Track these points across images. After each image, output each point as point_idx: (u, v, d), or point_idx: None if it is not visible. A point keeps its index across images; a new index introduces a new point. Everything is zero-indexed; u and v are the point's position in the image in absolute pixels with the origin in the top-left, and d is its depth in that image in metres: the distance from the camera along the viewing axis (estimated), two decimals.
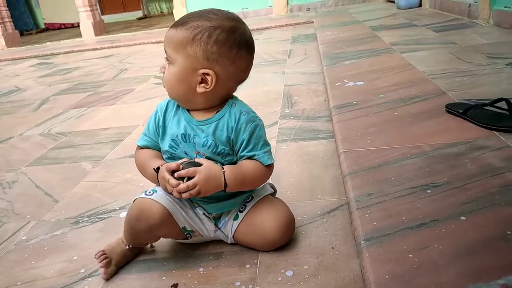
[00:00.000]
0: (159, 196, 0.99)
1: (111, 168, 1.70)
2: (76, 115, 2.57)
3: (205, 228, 1.04)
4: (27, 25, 10.16)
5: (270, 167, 1.00)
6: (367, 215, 1.01)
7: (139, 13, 10.61)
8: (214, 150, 0.97)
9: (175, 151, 1.00)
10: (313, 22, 5.22)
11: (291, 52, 3.66)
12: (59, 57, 5.57)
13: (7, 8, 7.43)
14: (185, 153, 0.99)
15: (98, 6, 8.10)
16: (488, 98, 1.58)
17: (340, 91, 2.07)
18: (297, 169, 1.45)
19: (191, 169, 0.90)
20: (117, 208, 1.36)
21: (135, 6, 10.80)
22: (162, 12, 10.70)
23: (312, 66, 3.01)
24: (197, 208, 1.04)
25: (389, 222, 0.97)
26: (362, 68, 2.46)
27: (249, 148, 0.97)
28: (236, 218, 1.03)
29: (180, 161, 0.94)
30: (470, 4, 3.60)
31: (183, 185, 0.89)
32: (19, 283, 1.05)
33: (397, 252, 0.87)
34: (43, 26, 10.58)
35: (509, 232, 0.88)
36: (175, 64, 0.92)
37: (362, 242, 0.92)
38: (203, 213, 1.04)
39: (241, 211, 1.03)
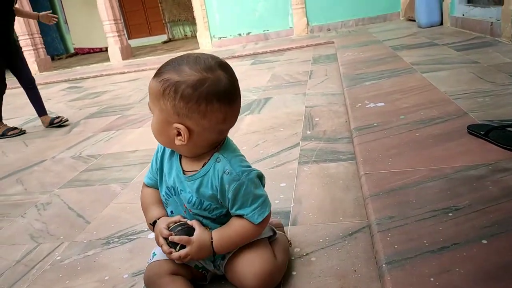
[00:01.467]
0: (161, 254, 1.02)
1: (139, 190, 1.75)
2: (105, 138, 2.68)
3: (208, 265, 1.06)
4: (57, 50, 10.64)
5: (261, 223, 0.96)
6: (388, 238, 1.03)
7: (164, 37, 10.96)
8: (199, 206, 0.97)
9: (169, 199, 1.02)
10: (333, 43, 5.28)
11: (312, 73, 3.72)
12: (88, 81, 5.81)
13: (40, 35, 7.83)
14: (177, 203, 1.01)
15: (125, 31, 8.44)
16: (510, 118, 1.58)
17: (360, 113, 2.10)
18: (318, 191, 1.48)
19: (184, 238, 0.94)
20: (145, 230, 1.41)
21: (160, 30, 11.17)
22: (186, 35, 11.01)
23: (333, 87, 3.05)
24: None
25: (410, 245, 0.99)
26: (382, 89, 2.48)
27: (237, 206, 0.94)
28: (223, 258, 1.02)
29: (172, 223, 0.98)
30: (492, 22, 3.59)
31: (175, 255, 0.95)
32: None
33: (418, 276, 0.88)
34: (72, 51, 11.05)
35: None
36: (154, 115, 0.92)
37: (384, 265, 0.94)
38: None
39: (227, 253, 1.01)
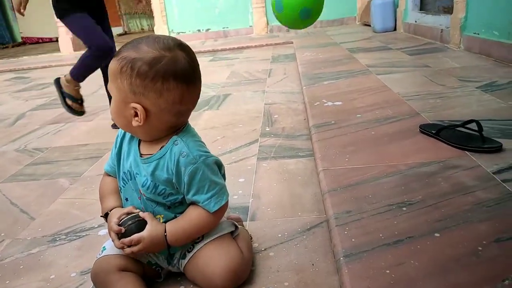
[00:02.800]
0: (111, 248, 0.97)
1: (90, 185, 1.68)
2: (53, 130, 2.53)
3: (161, 262, 1.01)
4: (3, 38, 9.99)
5: (217, 212, 0.93)
6: (346, 232, 1.03)
7: (120, 30, 10.59)
8: (154, 190, 0.93)
9: (125, 185, 0.99)
10: (292, 43, 5.34)
11: (271, 71, 3.73)
12: (37, 71, 5.49)
13: None
14: (133, 189, 0.98)
15: None
16: (459, 119, 1.66)
17: (319, 111, 2.12)
18: (277, 186, 1.47)
19: (135, 237, 0.90)
20: (96, 226, 1.34)
21: (116, 22, 10.77)
22: (142, 28, 10.71)
23: (292, 85, 3.07)
24: None
25: (367, 238, 1.00)
26: (340, 89, 2.53)
27: (193, 192, 0.91)
28: (183, 257, 0.97)
29: (124, 215, 0.93)
30: (442, 29, 3.77)
31: (127, 251, 0.91)
32: None
33: (375, 268, 0.89)
34: (20, 40, 10.41)
35: (480, 248, 0.92)
36: (113, 96, 0.90)
37: (342, 258, 0.94)
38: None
39: (189, 251, 0.97)
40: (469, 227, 1.00)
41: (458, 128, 1.53)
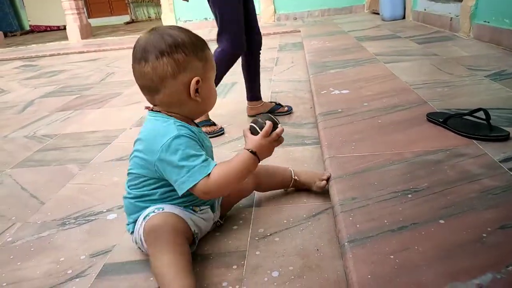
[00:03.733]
0: (170, 208, 1.02)
1: (98, 171, 1.70)
2: (62, 118, 2.56)
3: (208, 222, 1.11)
4: (11, 27, 10.03)
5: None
6: (350, 218, 1.04)
7: (127, 18, 10.58)
8: None
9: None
10: (300, 31, 5.30)
11: (278, 60, 3.72)
12: (45, 59, 5.52)
13: None
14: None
15: (85, 10, 8.06)
16: (467, 108, 1.64)
17: (325, 99, 2.12)
18: None
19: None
20: (104, 211, 1.36)
21: (123, 11, 10.77)
22: (149, 17, 10.68)
23: (299, 74, 3.06)
24: (197, 212, 1.08)
25: (372, 225, 1.01)
26: (347, 77, 2.52)
27: None
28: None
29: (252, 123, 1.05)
30: (452, 17, 3.72)
31: (280, 128, 1.06)
32: (4, 284, 1.04)
33: (379, 254, 0.90)
34: (28, 28, 10.45)
35: (484, 235, 0.92)
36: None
37: (346, 243, 0.95)
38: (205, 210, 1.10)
39: None
40: (474, 214, 1.00)
41: (465, 117, 1.53)
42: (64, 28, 7.67)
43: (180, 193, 0.98)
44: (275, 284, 0.94)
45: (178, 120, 1.01)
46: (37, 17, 10.22)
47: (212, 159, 1.04)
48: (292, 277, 0.95)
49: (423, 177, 1.21)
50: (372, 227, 1.00)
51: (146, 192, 1.04)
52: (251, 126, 1.04)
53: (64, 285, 1.02)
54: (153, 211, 1.01)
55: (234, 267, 1.01)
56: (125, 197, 1.09)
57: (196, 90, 1.00)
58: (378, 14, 5.66)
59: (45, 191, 1.55)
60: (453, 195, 1.09)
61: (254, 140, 1.01)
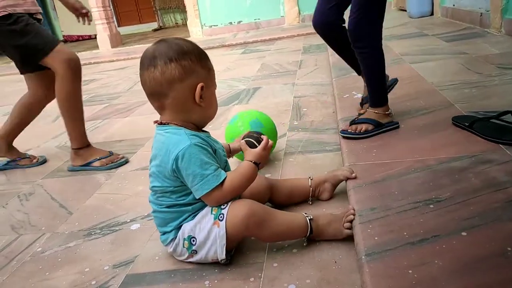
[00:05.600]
0: None
1: (124, 180, 1.75)
2: (91, 127, 2.64)
3: None
4: None
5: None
6: (369, 230, 1.03)
7: (155, 25, 10.80)
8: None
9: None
10: None
11: (302, 62, 3.70)
12: None
13: None
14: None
15: (114, 19, 8.30)
16: (496, 110, 1.58)
17: (348, 103, 2.09)
18: None
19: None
20: (128, 221, 1.40)
21: (151, 18, 11.01)
22: (176, 23, 10.87)
23: (322, 77, 3.03)
24: None
25: (390, 237, 0.99)
26: None
27: None
28: None
29: (244, 137, 1.17)
30: (482, 13, 3.59)
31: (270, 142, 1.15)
32: None
33: (397, 268, 0.88)
34: (61, 38, 10.86)
35: (509, 249, 0.89)
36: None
37: (363, 257, 0.93)
38: None
39: None
40: (499, 226, 0.97)
41: (493, 120, 1.47)
42: (95, 37, 7.92)
43: (197, 197, 1.05)
44: None
45: (188, 130, 1.05)
46: (70, 27, 10.59)
47: (225, 158, 1.16)
48: None
49: (446, 186, 1.17)
50: (391, 240, 0.98)
51: (178, 202, 1.07)
52: (247, 141, 1.14)
53: None
54: (222, 208, 1.05)
55: (252, 279, 1.01)
56: (155, 211, 1.11)
57: (200, 96, 1.05)
58: (405, 11, 5.53)
59: (73, 201, 1.61)
60: (477, 205, 1.06)
61: (256, 153, 1.11)
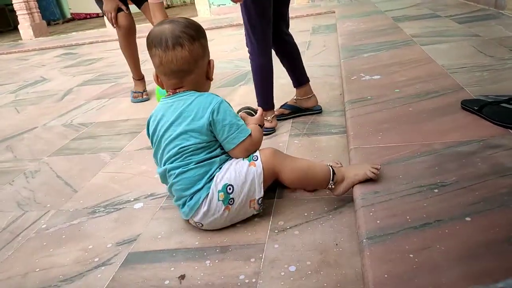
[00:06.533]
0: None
1: (128, 159, 1.75)
2: (97, 106, 2.64)
3: None
4: (54, 15, 10.40)
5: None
6: (371, 214, 1.02)
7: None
8: None
9: None
10: (334, 12, 5.15)
11: (310, 43, 3.64)
12: (84, 47, 5.70)
13: None
14: None
15: None
16: (506, 94, 1.54)
17: (356, 85, 2.06)
18: None
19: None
20: (132, 200, 1.41)
21: None
22: (184, 2, 10.74)
23: (330, 58, 2.98)
24: None
25: (393, 221, 0.98)
26: (380, 61, 2.43)
27: None
28: None
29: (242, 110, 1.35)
30: None
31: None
32: (37, 269, 1.11)
33: (398, 252, 0.88)
34: (69, 16, 10.80)
35: None
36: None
37: (364, 240, 0.93)
38: None
39: None
40: (504, 212, 0.95)
41: (503, 104, 1.43)
42: (103, 16, 7.85)
43: (228, 148, 1.15)
44: (291, 279, 0.94)
45: None
46: (77, 5, 10.52)
47: None
48: (309, 272, 0.95)
49: (452, 171, 1.15)
50: (393, 224, 0.97)
51: (207, 156, 1.13)
52: (246, 112, 1.34)
53: (91, 273, 1.06)
54: (254, 159, 1.16)
55: (252, 260, 1.02)
56: (180, 174, 1.12)
57: None
58: None
59: (79, 179, 1.62)
60: (483, 190, 1.04)
61: (257, 118, 1.28)
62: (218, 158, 1.15)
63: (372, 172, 1.13)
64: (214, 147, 1.15)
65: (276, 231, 1.11)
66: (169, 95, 1.18)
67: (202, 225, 1.14)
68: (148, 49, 1.15)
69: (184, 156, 1.12)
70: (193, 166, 1.11)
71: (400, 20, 3.74)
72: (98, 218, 1.32)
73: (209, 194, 1.10)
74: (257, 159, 1.15)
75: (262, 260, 1.01)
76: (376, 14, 4.38)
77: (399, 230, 0.94)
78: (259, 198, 1.13)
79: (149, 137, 1.24)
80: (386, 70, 2.23)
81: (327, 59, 2.99)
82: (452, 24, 3.19)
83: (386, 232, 0.94)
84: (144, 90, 2.68)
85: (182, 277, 0.99)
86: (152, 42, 1.13)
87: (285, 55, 1.92)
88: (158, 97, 2.34)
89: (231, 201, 1.10)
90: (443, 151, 1.27)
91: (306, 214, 1.17)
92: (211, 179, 1.12)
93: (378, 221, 0.98)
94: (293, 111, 1.94)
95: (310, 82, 1.97)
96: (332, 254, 0.99)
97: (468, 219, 0.95)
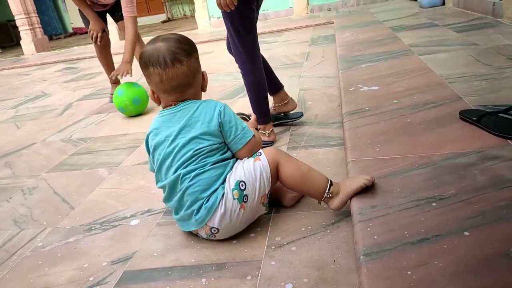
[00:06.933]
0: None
1: (126, 175, 1.74)
2: (96, 120, 2.65)
3: None
4: (56, 30, 10.51)
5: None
6: (368, 229, 1.00)
7: (163, 16, 10.78)
8: None
9: None
10: (333, 23, 5.17)
11: (309, 54, 3.65)
12: (85, 61, 5.74)
13: (37, 15, 7.70)
14: None
15: None
16: (505, 104, 1.54)
17: (354, 96, 2.05)
18: None
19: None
20: (128, 216, 1.40)
21: (159, 9, 10.98)
22: (185, 15, 10.82)
23: (329, 69, 2.99)
24: None
25: (390, 236, 0.96)
26: (378, 72, 2.42)
27: None
28: None
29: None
30: (494, 2, 3.49)
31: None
32: None
33: (395, 269, 0.86)
34: (71, 31, 10.91)
35: None
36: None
37: (362, 257, 0.91)
38: None
39: None
40: (503, 226, 0.93)
41: (501, 114, 1.42)
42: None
43: (236, 148, 1.19)
44: None
45: None
46: (79, 20, 10.63)
47: None
48: None
49: (450, 183, 1.14)
50: (390, 239, 0.95)
51: (222, 157, 1.17)
52: (241, 117, 1.39)
53: None
54: (258, 154, 1.20)
55: (248, 277, 1.00)
56: (198, 175, 1.12)
57: None
58: (416, 1, 5.41)
59: (76, 196, 1.61)
60: (482, 204, 1.02)
61: (252, 123, 1.39)
62: (231, 161, 1.19)
63: (366, 179, 1.15)
64: (225, 148, 1.19)
65: (273, 247, 1.10)
66: (170, 106, 1.20)
67: (218, 230, 1.13)
68: (143, 69, 1.15)
69: (199, 158, 1.14)
70: (210, 167, 1.13)
71: (398, 30, 3.76)
72: (94, 236, 1.31)
73: (224, 193, 1.11)
74: (261, 154, 1.20)
75: (259, 278, 0.99)
76: (375, 24, 4.40)
77: (396, 246, 0.93)
78: (268, 192, 1.17)
79: (148, 153, 1.23)
80: (384, 80, 2.23)
81: (325, 70, 2.99)
82: (450, 33, 3.20)
83: (384, 248, 0.93)
84: None
85: None
86: (149, 61, 1.13)
87: None
88: (116, 102, 2.56)
89: (245, 198, 1.12)
90: (441, 163, 1.26)
91: (303, 229, 1.15)
92: (224, 180, 1.13)
93: (375, 237, 0.97)
94: (274, 119, 1.94)
95: (304, 92, 1.96)
96: (330, 270, 0.98)
97: (466, 233, 0.93)
